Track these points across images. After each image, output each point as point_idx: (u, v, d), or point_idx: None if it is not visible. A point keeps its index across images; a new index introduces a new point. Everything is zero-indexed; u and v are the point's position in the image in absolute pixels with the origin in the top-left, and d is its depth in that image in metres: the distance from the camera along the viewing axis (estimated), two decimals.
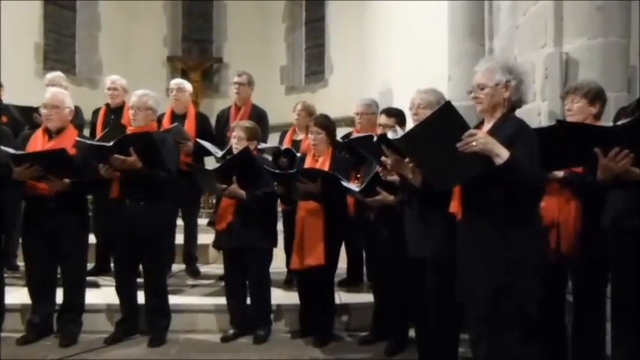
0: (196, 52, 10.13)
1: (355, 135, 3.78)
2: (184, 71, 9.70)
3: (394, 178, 2.87)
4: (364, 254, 4.10)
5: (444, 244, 2.53)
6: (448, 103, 2.13)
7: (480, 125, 2.33)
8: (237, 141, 3.64)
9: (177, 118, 4.54)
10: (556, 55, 3.26)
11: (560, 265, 2.73)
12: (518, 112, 2.37)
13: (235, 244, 3.56)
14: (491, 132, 2.19)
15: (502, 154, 2.05)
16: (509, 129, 2.18)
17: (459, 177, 2.18)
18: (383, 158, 2.57)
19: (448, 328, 2.71)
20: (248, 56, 9.33)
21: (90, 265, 4.11)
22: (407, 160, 2.43)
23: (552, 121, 2.90)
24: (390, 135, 2.37)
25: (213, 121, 4.91)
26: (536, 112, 3.43)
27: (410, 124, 3.08)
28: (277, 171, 3.53)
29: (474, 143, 2.04)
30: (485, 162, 2.07)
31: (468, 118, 2.18)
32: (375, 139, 2.64)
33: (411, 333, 3.29)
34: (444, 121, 2.08)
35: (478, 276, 2.20)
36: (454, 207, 2.28)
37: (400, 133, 2.35)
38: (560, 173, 2.69)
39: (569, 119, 2.80)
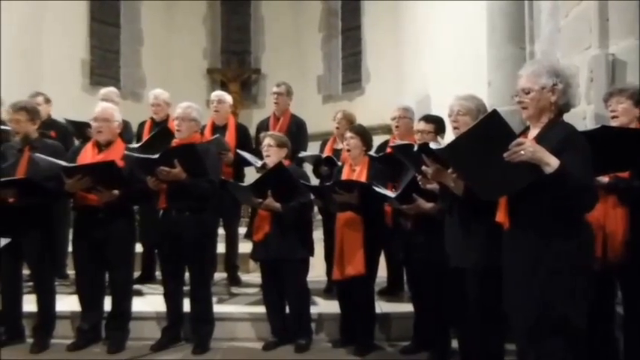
0: (235, 63, 10.33)
1: (394, 142, 3.76)
2: (223, 83, 9.90)
3: (433, 186, 2.84)
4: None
5: (486, 253, 2.48)
6: (494, 112, 2.07)
7: (525, 131, 2.27)
8: (266, 148, 3.69)
9: (218, 129, 4.63)
10: (602, 56, 3.17)
11: (607, 274, 2.64)
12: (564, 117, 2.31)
13: (272, 255, 3.59)
14: (539, 138, 2.13)
15: (552, 162, 1.98)
16: (558, 135, 2.11)
17: (507, 187, 2.12)
18: (424, 167, 2.54)
19: (492, 339, 2.65)
20: (285, 66, 9.45)
21: (135, 274, 4.22)
22: (449, 170, 2.39)
23: (598, 124, 2.82)
24: (433, 145, 2.33)
25: (252, 132, 4.98)
26: (582, 116, 3.34)
27: (449, 132, 3.05)
28: (312, 184, 3.54)
29: (522, 152, 1.97)
30: (534, 171, 2.00)
31: (510, 124, 2.12)
32: (416, 148, 2.62)
33: (454, 343, 3.24)
34: (489, 129, 2.02)
35: (525, 286, 2.15)
36: (501, 216, 2.23)
37: (443, 143, 2.32)
38: (605, 178, 2.61)
39: (612, 122, 2.73)
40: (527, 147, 1.98)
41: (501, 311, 2.32)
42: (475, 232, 2.58)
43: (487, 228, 2.37)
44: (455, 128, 2.73)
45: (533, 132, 2.22)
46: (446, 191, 2.63)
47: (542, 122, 2.21)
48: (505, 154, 1.98)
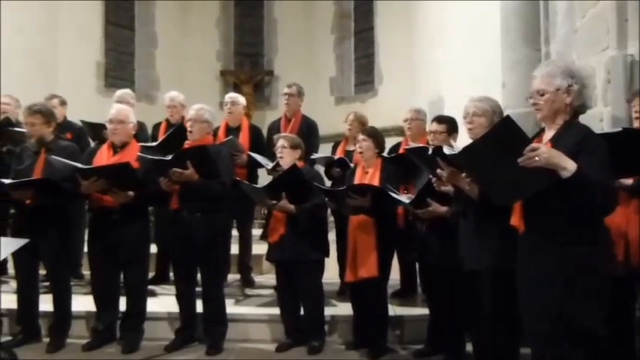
0: (248, 65, 10.41)
1: (407, 145, 3.75)
2: (237, 85, 9.98)
3: (448, 188, 2.82)
4: (417, 266, 4.06)
5: (501, 256, 2.46)
6: (508, 118, 2.05)
7: (540, 133, 2.25)
8: (280, 150, 3.70)
9: (232, 130, 4.65)
10: (619, 57, 3.13)
11: (628, 279, 2.59)
12: (579, 119, 2.28)
13: (287, 256, 3.60)
14: (554, 140, 2.10)
15: (569, 166, 1.94)
16: (574, 137, 2.08)
17: (522, 192, 2.10)
18: (438, 171, 2.52)
19: (507, 343, 2.62)
20: (298, 68, 9.49)
21: (149, 275, 4.24)
22: (464, 174, 2.37)
23: (616, 127, 2.79)
24: (447, 150, 2.32)
25: (265, 133, 4.99)
26: (599, 118, 3.29)
27: (463, 133, 3.03)
28: (325, 187, 3.54)
29: (536, 158, 1.94)
30: (550, 175, 1.97)
31: (524, 126, 2.11)
32: (430, 151, 2.61)
33: (469, 346, 3.22)
34: (503, 135, 1.99)
35: (541, 290, 2.12)
36: (515, 220, 2.20)
37: (456, 147, 2.31)
38: (628, 181, 2.57)
39: (636, 123, 2.68)
40: (542, 153, 1.94)
41: (516, 314, 2.30)
42: (489, 234, 2.55)
43: (501, 230, 2.35)
44: (470, 130, 2.71)
45: (549, 134, 2.19)
46: (460, 194, 2.61)
47: (558, 124, 2.17)
48: (520, 160, 1.95)
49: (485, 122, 2.64)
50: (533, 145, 1.98)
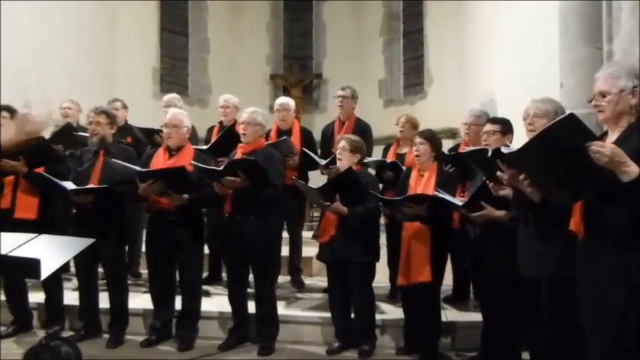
0: (297, 69, 10.48)
1: (466, 148, 3.67)
2: (286, 88, 10.07)
3: (506, 192, 2.76)
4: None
5: (563, 263, 2.38)
6: (572, 115, 1.99)
7: (603, 136, 2.17)
8: (340, 152, 3.70)
9: (283, 133, 4.67)
10: None
11: None
12: None
13: (337, 257, 3.61)
14: (617, 144, 2.02)
15: (630, 171, 1.88)
16: (638, 140, 2.01)
17: (581, 193, 2.04)
18: (499, 173, 2.47)
19: (568, 354, 2.53)
20: (347, 71, 9.49)
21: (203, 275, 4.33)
22: (522, 176, 2.32)
23: None
24: (504, 150, 2.27)
25: (319, 137, 5.00)
26: None
27: (521, 134, 2.94)
28: (382, 196, 3.51)
29: (597, 156, 1.89)
30: (612, 177, 1.91)
31: None
32: (490, 153, 2.55)
33: (525, 356, 3.12)
34: (565, 132, 1.94)
35: (602, 300, 2.05)
36: (575, 224, 2.14)
37: (513, 149, 2.25)
38: None
39: None
40: (605, 151, 1.89)
41: (578, 324, 2.22)
42: (551, 240, 2.47)
43: (563, 236, 2.28)
44: (530, 131, 2.64)
45: (612, 137, 2.13)
46: (520, 198, 2.54)
47: (621, 127, 2.11)
48: (591, 149, 1.90)
49: (547, 123, 2.56)
50: (597, 142, 1.93)
